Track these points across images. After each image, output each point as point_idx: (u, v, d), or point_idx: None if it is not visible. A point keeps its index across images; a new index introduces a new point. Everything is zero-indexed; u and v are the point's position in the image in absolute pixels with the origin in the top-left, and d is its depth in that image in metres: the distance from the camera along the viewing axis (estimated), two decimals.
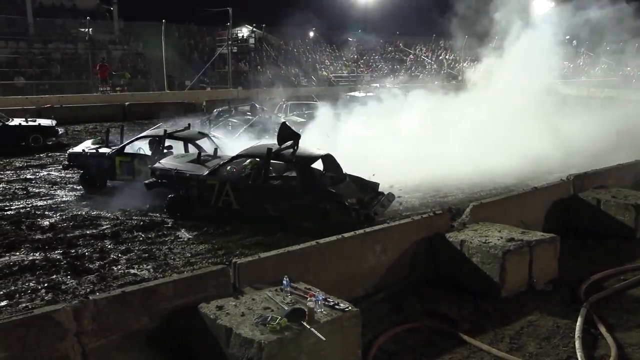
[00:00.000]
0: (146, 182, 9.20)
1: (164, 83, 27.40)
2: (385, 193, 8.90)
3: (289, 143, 8.43)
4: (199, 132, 11.38)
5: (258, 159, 8.58)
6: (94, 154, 10.61)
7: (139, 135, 11.23)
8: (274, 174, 8.72)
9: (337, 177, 8.77)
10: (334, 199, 7.94)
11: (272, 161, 8.50)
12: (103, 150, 10.66)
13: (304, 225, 7.92)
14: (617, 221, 7.65)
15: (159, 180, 9.00)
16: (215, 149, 10.06)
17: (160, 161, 9.42)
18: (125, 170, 10.28)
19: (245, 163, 8.91)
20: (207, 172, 8.65)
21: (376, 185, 8.85)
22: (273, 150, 8.31)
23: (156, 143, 10.39)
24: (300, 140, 8.53)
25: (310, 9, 38.19)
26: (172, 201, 8.80)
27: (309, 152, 8.63)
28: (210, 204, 8.54)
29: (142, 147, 10.68)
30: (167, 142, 10.54)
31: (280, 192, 8.28)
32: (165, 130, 10.65)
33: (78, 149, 11.09)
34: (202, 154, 9.63)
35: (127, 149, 10.43)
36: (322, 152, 8.90)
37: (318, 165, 8.96)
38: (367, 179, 8.97)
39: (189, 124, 11.72)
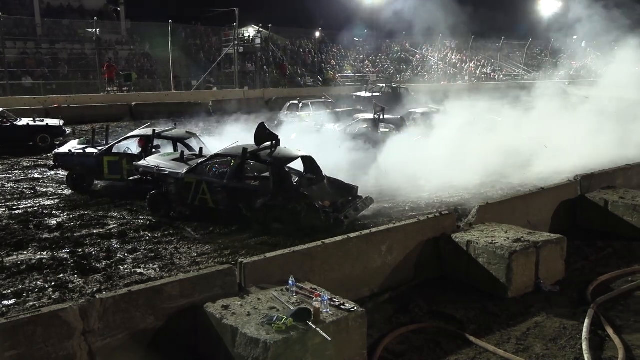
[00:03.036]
0: (130, 178, 9.42)
1: (171, 83, 27.50)
2: (364, 197, 8.86)
3: (267, 144, 8.49)
4: (187, 132, 11.47)
5: (234, 159, 8.65)
6: (81, 154, 10.64)
7: (126, 135, 11.29)
8: (250, 174, 8.88)
9: (314, 179, 8.83)
10: (304, 200, 7.96)
11: (254, 162, 8.66)
12: (90, 150, 10.69)
13: (274, 226, 8.00)
14: (625, 222, 7.60)
15: (144, 177, 9.17)
16: (201, 149, 10.13)
17: (146, 159, 9.57)
18: (113, 170, 10.33)
19: (221, 162, 9.05)
20: (185, 170, 8.78)
21: (354, 188, 8.85)
22: (249, 151, 8.38)
23: (144, 142, 10.49)
24: (280, 141, 8.63)
25: (317, 9, 38.25)
26: (153, 198, 8.98)
27: (286, 153, 8.69)
28: (187, 202, 8.70)
29: (130, 146, 10.74)
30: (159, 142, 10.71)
31: (253, 192, 8.37)
32: (153, 130, 10.73)
33: (64, 149, 11.12)
34: (187, 153, 9.75)
35: (115, 149, 10.48)
36: (301, 154, 8.97)
37: (299, 167, 9.06)
38: (345, 182, 9.02)
39: (176, 124, 11.81)
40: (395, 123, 14.57)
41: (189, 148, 10.33)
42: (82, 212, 9.18)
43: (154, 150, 10.41)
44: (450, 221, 6.43)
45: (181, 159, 9.35)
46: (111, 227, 8.46)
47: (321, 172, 8.99)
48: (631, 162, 9.56)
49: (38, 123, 15.64)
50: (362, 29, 42.74)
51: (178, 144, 10.63)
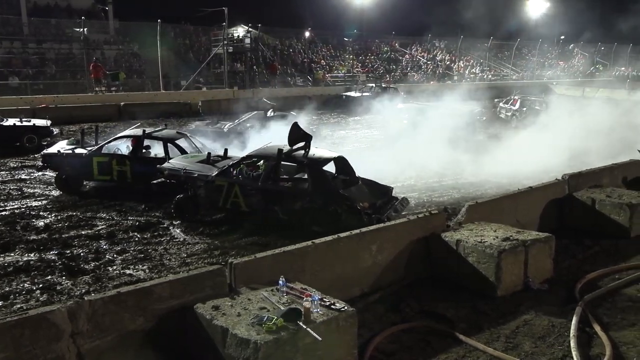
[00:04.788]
0: (154, 182, 9.08)
1: (160, 83, 27.34)
2: (400, 197, 8.68)
3: (300, 144, 8.25)
4: (177, 132, 11.38)
5: (268, 160, 8.35)
6: (70, 155, 10.52)
7: (116, 136, 11.20)
8: (284, 176, 8.54)
9: (349, 180, 8.57)
10: (345, 202, 7.72)
11: (283, 163, 8.28)
12: (79, 151, 10.59)
13: (314, 229, 7.56)
14: (612, 220, 7.69)
15: (168, 181, 8.85)
16: (226, 150, 9.85)
17: (169, 161, 9.31)
18: (102, 171, 10.25)
19: (255, 164, 8.74)
20: (215, 172, 8.50)
21: (389, 189, 8.65)
22: (284, 152, 8.08)
23: (135, 143, 10.40)
24: (311, 142, 8.38)
25: (306, 9, 38.27)
26: (179, 202, 8.67)
27: (320, 154, 8.44)
28: (218, 205, 8.41)
29: (119, 147, 10.66)
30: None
31: (290, 194, 8.09)
32: (144, 130, 10.66)
33: (53, 149, 10.98)
34: (212, 154, 9.44)
35: (104, 149, 10.40)
36: (335, 154, 8.71)
37: (331, 168, 8.76)
38: (380, 183, 8.78)
39: (166, 124, 11.77)
40: (288, 118, 14.85)
41: (180, 149, 10.27)
42: (70, 213, 9.10)
43: (144, 150, 10.34)
44: (440, 220, 6.47)
45: (207, 161, 9.05)
46: (100, 228, 8.40)
47: (354, 173, 8.70)
48: (617, 161, 9.69)
49: (25, 123, 15.45)
50: (352, 29, 42.86)
51: (168, 144, 10.56)
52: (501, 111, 22.44)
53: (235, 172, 8.52)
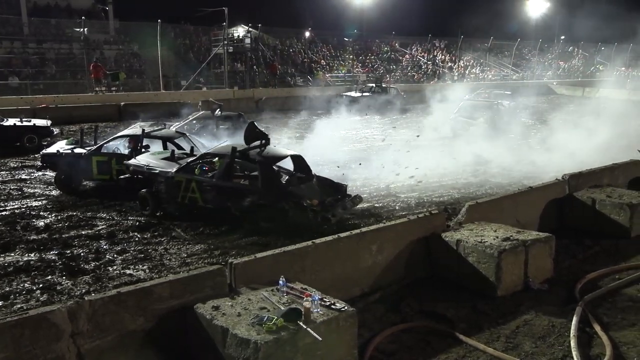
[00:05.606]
0: (121, 177, 9.43)
1: (160, 83, 27.34)
2: (352, 195, 8.88)
3: (256, 143, 8.52)
4: (176, 131, 11.45)
5: (223, 158, 8.68)
6: (69, 155, 10.55)
7: (115, 135, 11.25)
8: (241, 174, 8.94)
9: (304, 178, 8.88)
10: (292, 199, 8.01)
11: (244, 161, 8.69)
12: (78, 150, 10.61)
13: (262, 225, 8.03)
14: (612, 220, 7.68)
15: (134, 176, 9.20)
16: (192, 148, 10.13)
17: (136, 158, 9.58)
18: (102, 170, 10.29)
19: (212, 162, 9.09)
20: (175, 169, 8.80)
21: (343, 187, 8.89)
22: (238, 150, 8.42)
23: (134, 142, 10.46)
24: (270, 141, 8.70)
25: (306, 9, 38.25)
26: (142, 196, 9.03)
27: (275, 152, 8.73)
28: (177, 200, 8.74)
29: (119, 146, 10.69)
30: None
31: (241, 190, 8.39)
32: (143, 130, 10.71)
33: (52, 149, 11.03)
34: (178, 152, 9.76)
35: (104, 149, 10.44)
36: (290, 153, 9.06)
37: (289, 166, 9.12)
38: (335, 180, 9.07)
39: (165, 124, 11.80)
40: (233, 119, 14.85)
41: (179, 147, 10.34)
42: (70, 213, 9.10)
43: (143, 150, 10.37)
44: (440, 220, 6.46)
45: (172, 158, 9.37)
46: (100, 228, 8.40)
47: (310, 170, 9.03)
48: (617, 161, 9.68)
49: (25, 123, 15.46)
50: (353, 29, 42.86)
51: (168, 143, 10.59)
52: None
53: (193, 169, 8.85)
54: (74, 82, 26.50)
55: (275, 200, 8.03)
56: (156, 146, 10.75)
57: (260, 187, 8.19)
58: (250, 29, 35.36)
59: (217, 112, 15.35)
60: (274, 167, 8.61)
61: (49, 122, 16.16)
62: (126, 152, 10.43)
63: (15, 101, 21.20)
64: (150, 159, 9.43)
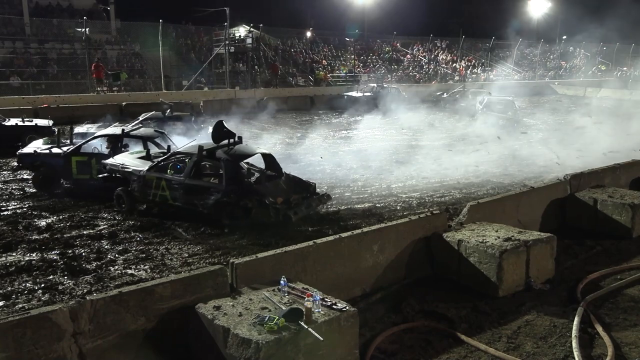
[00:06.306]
0: (99, 176, 9.64)
1: (161, 83, 27.36)
2: (321, 194, 9.01)
3: (224, 142, 8.66)
4: (155, 130, 11.43)
5: (191, 157, 8.80)
6: (47, 154, 10.51)
7: (95, 135, 11.23)
8: (210, 172, 9.13)
9: (272, 176, 9.02)
10: (255, 196, 8.14)
11: (212, 160, 8.81)
12: (56, 150, 10.56)
13: (226, 222, 8.21)
14: (614, 221, 7.68)
15: (112, 175, 9.41)
16: (169, 147, 10.16)
17: (114, 157, 9.74)
18: (82, 170, 10.28)
19: (181, 160, 9.20)
20: (147, 167, 8.98)
21: (311, 185, 8.99)
22: (205, 149, 8.57)
23: (113, 141, 10.50)
24: (241, 139, 8.90)
25: (308, 9, 38.24)
26: (117, 194, 9.22)
27: (242, 151, 8.84)
28: (149, 198, 8.93)
29: (97, 146, 10.68)
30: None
31: (207, 189, 8.51)
32: (122, 129, 10.74)
33: (29, 149, 10.94)
34: (156, 152, 9.88)
35: (83, 149, 10.40)
36: (259, 151, 9.19)
37: (260, 164, 9.31)
38: (304, 179, 9.17)
39: (141, 123, 11.82)
40: (184, 119, 14.73)
41: (159, 146, 10.38)
42: (71, 213, 9.11)
43: (122, 149, 10.40)
44: (441, 220, 6.46)
45: (147, 157, 9.54)
46: (101, 228, 8.41)
47: (280, 169, 9.19)
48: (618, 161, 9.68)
49: (27, 123, 15.49)
50: (354, 29, 42.83)
51: (148, 142, 10.58)
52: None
53: (164, 167, 9.01)
54: (75, 82, 26.53)
55: (239, 198, 8.18)
56: (139, 146, 10.78)
57: (225, 184, 8.35)
58: (251, 28, 35.38)
59: (168, 112, 15.40)
60: (239, 165, 8.79)
61: (50, 122, 16.18)
62: (106, 151, 10.40)
63: (17, 101, 21.24)
64: (126, 158, 9.64)
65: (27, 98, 21.88)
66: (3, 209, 9.38)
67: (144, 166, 9.10)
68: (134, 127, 13.15)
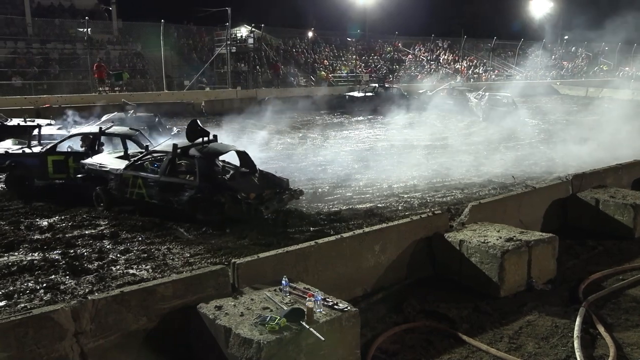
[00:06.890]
0: (78, 175, 9.71)
1: (163, 83, 27.38)
2: (294, 189, 9.17)
3: (199, 140, 8.83)
4: (131, 129, 11.35)
5: (166, 155, 8.95)
6: (20, 154, 10.39)
7: (71, 133, 11.19)
8: (186, 170, 9.28)
9: (245, 173, 9.15)
10: (228, 192, 8.29)
11: (186, 158, 9.00)
12: (28, 150, 10.46)
13: (198, 217, 8.43)
14: (616, 221, 7.66)
15: (90, 175, 9.50)
16: (147, 146, 10.21)
17: (92, 157, 9.85)
18: (58, 169, 10.22)
19: (157, 158, 9.34)
20: (124, 166, 9.09)
21: (284, 181, 9.14)
22: (179, 147, 8.74)
23: (90, 140, 10.47)
24: (216, 137, 9.19)
25: (309, 9, 38.24)
26: (96, 193, 9.33)
27: (215, 148, 8.99)
28: (126, 197, 9.08)
29: (72, 145, 10.65)
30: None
31: (181, 185, 8.65)
32: (100, 128, 10.70)
33: None
34: (134, 151, 9.96)
35: (59, 148, 10.33)
36: (233, 148, 9.37)
37: (235, 161, 9.45)
38: (277, 175, 9.33)
39: (113, 122, 11.90)
40: (147, 120, 14.69)
41: (139, 145, 10.36)
42: (73, 213, 9.12)
43: (98, 148, 10.38)
44: (443, 220, 6.46)
45: (125, 157, 9.65)
46: (103, 227, 8.42)
47: (254, 165, 9.33)
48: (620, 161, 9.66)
49: (29, 123, 15.49)
50: (356, 29, 42.81)
51: (127, 141, 10.55)
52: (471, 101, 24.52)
53: (140, 166, 9.15)
54: (77, 82, 26.54)
55: (211, 194, 8.32)
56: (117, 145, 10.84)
57: (198, 181, 8.49)
58: (253, 29, 35.39)
59: (130, 112, 15.40)
60: (213, 162, 8.94)
61: (52, 122, 16.18)
62: (82, 150, 10.36)
63: (19, 101, 21.28)
64: (104, 158, 9.76)
65: (29, 98, 21.91)
66: (5, 208, 9.40)
67: (121, 165, 9.23)
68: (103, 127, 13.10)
